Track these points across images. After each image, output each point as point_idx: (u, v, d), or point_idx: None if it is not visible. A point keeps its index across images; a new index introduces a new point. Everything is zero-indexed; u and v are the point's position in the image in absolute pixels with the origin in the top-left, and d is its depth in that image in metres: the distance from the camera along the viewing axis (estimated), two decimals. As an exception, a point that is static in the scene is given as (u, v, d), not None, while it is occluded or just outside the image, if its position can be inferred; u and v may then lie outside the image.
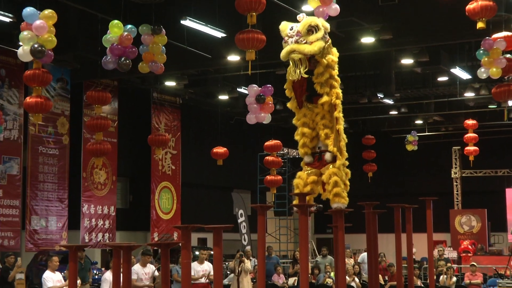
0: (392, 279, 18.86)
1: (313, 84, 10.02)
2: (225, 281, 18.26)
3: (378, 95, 25.44)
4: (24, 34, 13.39)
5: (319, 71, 9.85)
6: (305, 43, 9.45)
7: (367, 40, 19.04)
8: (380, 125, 33.10)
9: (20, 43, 13.57)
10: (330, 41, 9.85)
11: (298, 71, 9.56)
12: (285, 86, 10.58)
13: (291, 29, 9.59)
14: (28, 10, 13.43)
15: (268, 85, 17.89)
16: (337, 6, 12.89)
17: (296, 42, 9.48)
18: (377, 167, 31.24)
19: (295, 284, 19.23)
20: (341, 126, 10.33)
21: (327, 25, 9.84)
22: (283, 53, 9.70)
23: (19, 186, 22.01)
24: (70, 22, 18.29)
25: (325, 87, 10.02)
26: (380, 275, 17.14)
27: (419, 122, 32.22)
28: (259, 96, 17.52)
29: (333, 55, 10.09)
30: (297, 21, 9.79)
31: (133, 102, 26.80)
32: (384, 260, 21.16)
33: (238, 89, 24.84)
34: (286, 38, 9.64)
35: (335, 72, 10.24)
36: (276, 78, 23.64)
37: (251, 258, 19.48)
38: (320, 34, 9.52)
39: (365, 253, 17.18)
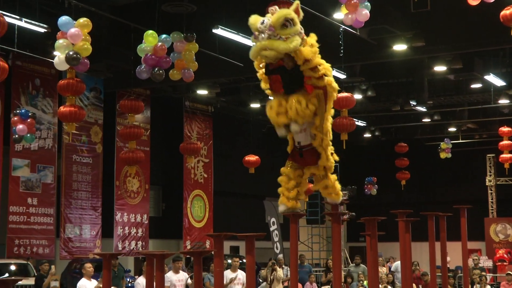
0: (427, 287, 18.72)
1: (291, 78, 8.48)
2: (257, 290, 18.25)
3: (411, 102, 25.30)
4: (60, 42, 13.55)
5: (301, 60, 8.27)
6: (279, 39, 8.01)
7: (400, 47, 18.95)
8: (413, 133, 32.87)
9: (56, 52, 13.72)
10: (304, 36, 8.37)
11: (273, 52, 8.05)
12: (259, 76, 9.15)
13: (263, 23, 8.15)
14: (64, 19, 13.60)
15: None
16: (367, 12, 12.89)
17: (269, 37, 8.03)
18: (410, 175, 31.02)
19: (328, 292, 19.16)
20: (329, 123, 8.78)
21: (302, 14, 8.44)
22: (252, 52, 8.28)
23: (54, 195, 22.23)
24: (103, 32, 18.44)
25: (316, 72, 8.43)
26: (414, 284, 17.01)
27: (452, 129, 31.95)
28: (289, 105, 17.48)
29: (312, 44, 8.46)
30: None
31: (165, 111, 26.95)
32: (418, 268, 20.99)
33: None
34: (256, 33, 8.19)
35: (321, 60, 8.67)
36: (308, 86, 23.63)
37: (283, 266, 19.45)
38: (296, 28, 8.10)
39: (399, 262, 17.06)
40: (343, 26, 16.64)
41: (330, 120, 8.74)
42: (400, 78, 24.78)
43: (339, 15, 15.15)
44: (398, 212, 10.59)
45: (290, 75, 8.43)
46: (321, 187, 9.14)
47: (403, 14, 17.90)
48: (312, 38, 8.47)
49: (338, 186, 9.23)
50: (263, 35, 8.07)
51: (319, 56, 8.47)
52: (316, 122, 8.61)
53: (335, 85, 8.65)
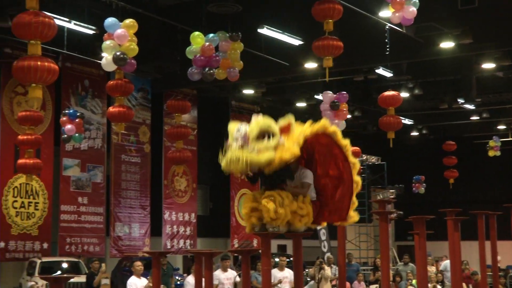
0: (476, 287, 18.47)
1: (271, 181, 7.82)
2: (306, 287, 18.21)
3: (459, 100, 25.03)
4: (107, 43, 13.69)
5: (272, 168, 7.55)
6: (252, 150, 7.28)
7: (447, 45, 18.74)
8: (461, 131, 32.49)
9: (104, 54, 13.88)
10: (284, 144, 7.52)
11: (240, 166, 7.41)
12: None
13: (239, 130, 7.41)
14: (110, 20, 13.73)
15: (343, 92, 17.76)
16: (414, 9, 12.76)
17: (241, 147, 7.31)
18: (459, 173, 30.64)
19: (376, 291, 19.03)
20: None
21: (293, 129, 7.70)
22: (223, 163, 7.56)
23: (103, 194, 22.48)
24: (150, 34, 18.58)
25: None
26: (463, 284, 16.82)
27: (501, 127, 31.49)
28: (333, 103, 17.43)
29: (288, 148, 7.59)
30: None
31: (212, 111, 27.05)
32: (467, 268, 20.72)
33: (315, 96, 24.78)
34: (230, 141, 7.49)
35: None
36: (354, 84, 23.52)
37: (331, 265, 19.38)
38: (273, 142, 7.34)
39: (448, 261, 16.88)
40: (389, 24, 16.53)
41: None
42: (448, 76, 24.49)
43: (385, 13, 15.04)
44: (447, 211, 10.49)
45: (270, 179, 7.84)
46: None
47: (450, 11, 17.71)
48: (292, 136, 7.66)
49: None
50: (235, 144, 7.40)
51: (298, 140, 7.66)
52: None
53: (294, 149, 7.60)
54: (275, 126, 7.50)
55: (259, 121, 7.43)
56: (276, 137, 7.40)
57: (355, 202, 8.93)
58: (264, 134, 7.32)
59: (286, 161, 7.51)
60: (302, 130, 7.83)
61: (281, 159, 7.40)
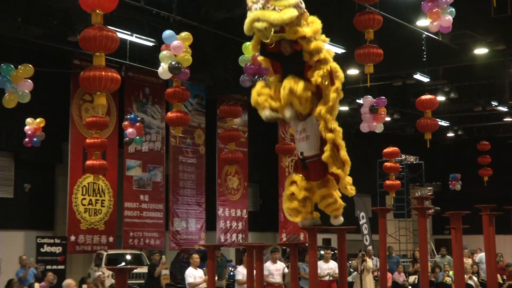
0: (510, 278, 18.16)
1: (290, 64, 7.02)
2: (349, 279, 18.11)
3: (492, 103, 24.63)
4: (164, 53, 13.81)
5: (295, 35, 6.77)
6: (273, 9, 6.60)
7: (481, 51, 18.51)
8: (495, 131, 32.00)
9: (161, 63, 14.01)
10: (306, 13, 6.96)
11: (269, 33, 6.65)
12: (259, 58, 7.72)
13: None
14: (167, 33, 13.85)
15: (381, 97, 17.62)
16: (450, 18, 12.60)
17: (262, 8, 6.64)
18: (493, 172, 30.16)
19: (415, 282, 18.83)
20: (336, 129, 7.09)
21: None
22: (246, 24, 6.80)
23: (163, 192, 22.68)
24: (205, 45, 18.70)
25: (315, 55, 6.84)
26: (498, 275, 16.55)
27: (534, 127, 30.96)
28: (372, 107, 17.32)
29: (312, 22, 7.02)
30: None
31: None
32: (502, 260, 20.37)
33: (357, 101, 24.63)
34: (250, 4, 6.78)
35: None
36: (393, 89, 23.34)
37: (372, 257, 19.25)
38: (293, 0, 6.65)
39: (483, 253, 16.62)
40: (426, 33, 16.38)
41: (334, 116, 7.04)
42: (482, 80, 24.17)
43: (422, 22, 14.91)
44: (481, 207, 10.33)
45: (288, 61, 7.01)
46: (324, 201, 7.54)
47: (484, 19, 17.47)
48: (314, 18, 7.02)
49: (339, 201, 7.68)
50: (256, 6, 6.70)
51: (322, 39, 7.08)
52: (319, 111, 6.92)
53: (341, 74, 6.95)
54: None
55: None
56: None
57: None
58: None
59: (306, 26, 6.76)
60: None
61: (303, 21, 6.74)
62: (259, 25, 6.61)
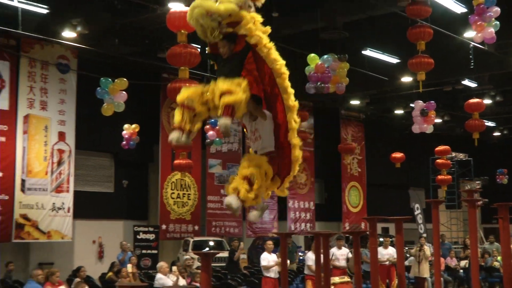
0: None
1: (225, 67, 5.75)
2: (406, 263, 17.80)
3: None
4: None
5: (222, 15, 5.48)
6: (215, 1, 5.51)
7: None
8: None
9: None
10: (256, 17, 5.73)
11: (210, 34, 5.53)
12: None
13: None
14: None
15: (431, 101, 17.31)
16: (493, 30, 12.26)
17: None
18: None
19: (466, 266, 18.39)
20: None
21: None
22: (187, 17, 5.64)
23: (240, 187, 22.74)
24: (275, 58, 18.68)
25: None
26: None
27: None
28: (423, 110, 17.06)
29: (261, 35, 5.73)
30: None
31: (326, 118, 26.93)
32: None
33: (411, 105, 24.20)
34: None
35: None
36: (443, 94, 22.88)
37: (426, 244, 18.90)
38: None
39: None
40: (473, 43, 16.00)
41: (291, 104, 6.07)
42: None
43: (469, 33, 14.58)
44: (527, 198, 9.97)
45: (225, 63, 5.78)
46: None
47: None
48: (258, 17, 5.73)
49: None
50: None
51: (263, 29, 5.81)
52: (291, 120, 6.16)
53: (277, 57, 5.98)
54: None
55: None
56: None
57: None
58: None
59: (242, 18, 5.56)
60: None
61: (242, 15, 5.54)
62: (195, 12, 5.46)
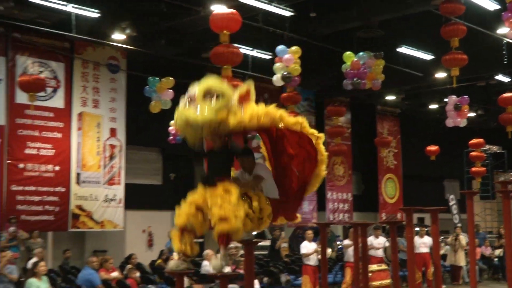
0: None
1: (218, 161, 5.48)
2: (442, 251, 17.63)
3: None
4: (277, 65, 13.91)
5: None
6: (194, 109, 5.16)
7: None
8: None
9: (275, 72, 14.12)
10: (238, 114, 5.32)
11: (179, 122, 5.28)
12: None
13: (190, 89, 5.34)
14: (280, 48, 13.94)
15: (464, 96, 17.05)
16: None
17: (187, 105, 5.19)
18: None
19: (501, 254, 18.09)
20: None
21: (252, 96, 5.58)
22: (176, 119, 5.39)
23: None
24: (313, 56, 18.66)
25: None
26: None
27: None
28: (456, 105, 16.82)
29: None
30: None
31: (362, 113, 26.74)
32: None
33: (445, 99, 23.84)
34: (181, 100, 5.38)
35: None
36: (477, 88, 22.48)
37: (462, 233, 18.65)
38: (219, 104, 5.13)
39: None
40: (506, 39, 15.69)
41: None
42: None
43: (502, 30, 14.31)
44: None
45: (216, 156, 5.46)
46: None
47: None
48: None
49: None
50: (182, 103, 5.31)
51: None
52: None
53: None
54: (228, 89, 5.28)
55: (209, 80, 5.28)
56: (225, 100, 5.15)
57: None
58: (212, 94, 5.12)
59: (229, 128, 5.22)
60: (271, 112, 5.55)
61: (223, 122, 5.15)
62: (176, 124, 5.26)
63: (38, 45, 16.42)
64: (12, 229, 14.72)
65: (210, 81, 5.25)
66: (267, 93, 22.51)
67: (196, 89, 5.19)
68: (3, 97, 15.87)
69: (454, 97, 16.97)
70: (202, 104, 5.07)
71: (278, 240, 17.49)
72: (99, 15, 14.79)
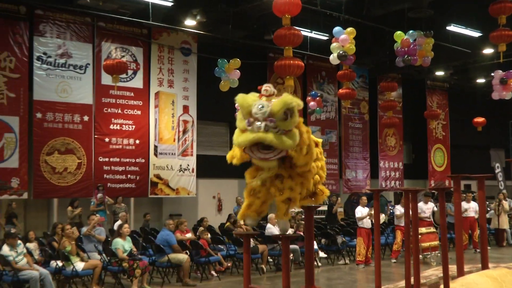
0: None
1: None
2: (487, 216, 17.18)
3: None
4: (334, 45, 13.72)
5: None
6: (278, 132, 4.46)
7: None
8: None
9: (332, 52, 13.94)
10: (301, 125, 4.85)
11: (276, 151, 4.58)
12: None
13: (261, 108, 4.51)
14: (337, 29, 13.73)
15: (510, 70, 16.36)
16: None
17: (266, 129, 4.46)
18: None
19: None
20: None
21: (301, 103, 4.62)
22: (243, 141, 4.59)
23: (337, 150, 22.66)
24: (367, 36, 18.30)
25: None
26: None
27: None
28: (502, 79, 16.18)
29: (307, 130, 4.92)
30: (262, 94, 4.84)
31: (413, 88, 26.12)
32: None
33: (491, 74, 22.98)
34: (250, 119, 4.55)
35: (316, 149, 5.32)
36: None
37: (506, 198, 18.08)
38: (295, 120, 4.57)
39: None
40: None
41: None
42: None
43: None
44: None
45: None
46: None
47: None
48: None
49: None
50: (258, 124, 4.48)
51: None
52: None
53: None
54: (295, 102, 4.56)
55: (281, 99, 4.54)
56: (296, 115, 4.57)
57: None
58: (287, 113, 4.50)
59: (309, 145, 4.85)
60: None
61: (306, 141, 4.76)
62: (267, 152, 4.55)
63: (120, 33, 16.78)
64: (99, 195, 15.25)
65: (287, 98, 4.53)
66: (324, 71, 22.31)
67: (270, 108, 4.48)
68: (91, 79, 16.35)
69: (500, 71, 16.36)
70: (284, 126, 4.49)
71: (335, 205, 17.47)
72: (172, 4, 14.94)
